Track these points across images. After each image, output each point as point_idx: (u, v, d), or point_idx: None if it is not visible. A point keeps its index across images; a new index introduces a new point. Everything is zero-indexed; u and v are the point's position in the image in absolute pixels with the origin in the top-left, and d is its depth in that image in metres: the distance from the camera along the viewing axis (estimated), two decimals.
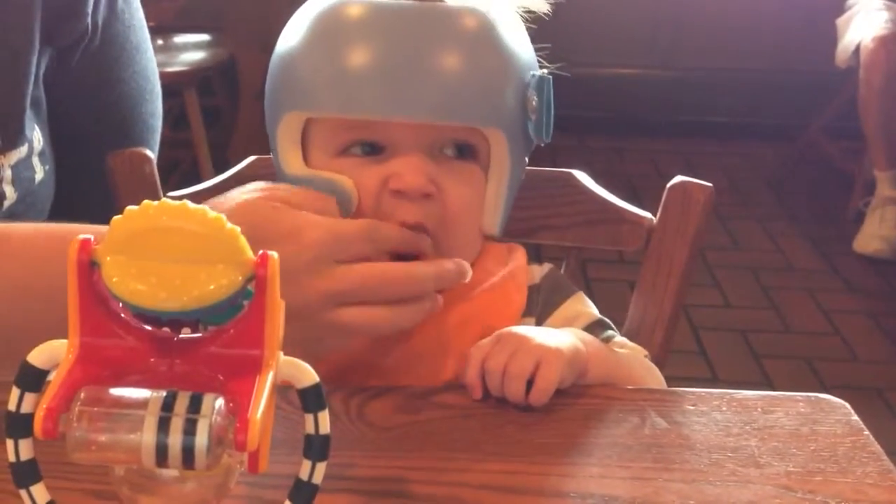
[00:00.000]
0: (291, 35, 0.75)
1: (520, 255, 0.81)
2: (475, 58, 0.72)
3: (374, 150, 0.74)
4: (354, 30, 0.72)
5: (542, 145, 0.79)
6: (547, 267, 0.83)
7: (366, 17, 0.72)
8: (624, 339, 0.83)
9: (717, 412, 0.69)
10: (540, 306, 0.80)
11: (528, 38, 0.77)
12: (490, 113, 0.73)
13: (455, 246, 0.75)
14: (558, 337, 0.72)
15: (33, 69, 0.88)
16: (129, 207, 0.42)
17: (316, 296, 0.66)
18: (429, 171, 0.72)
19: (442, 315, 0.76)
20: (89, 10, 0.91)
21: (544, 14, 0.77)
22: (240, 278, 0.42)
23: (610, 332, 0.82)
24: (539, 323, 0.80)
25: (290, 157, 0.75)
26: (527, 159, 0.79)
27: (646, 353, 0.83)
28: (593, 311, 0.83)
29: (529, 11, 0.78)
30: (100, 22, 0.92)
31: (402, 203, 0.72)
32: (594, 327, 0.81)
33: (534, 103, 0.74)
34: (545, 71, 0.77)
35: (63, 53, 0.91)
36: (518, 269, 0.80)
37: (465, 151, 0.75)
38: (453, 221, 0.74)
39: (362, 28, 0.72)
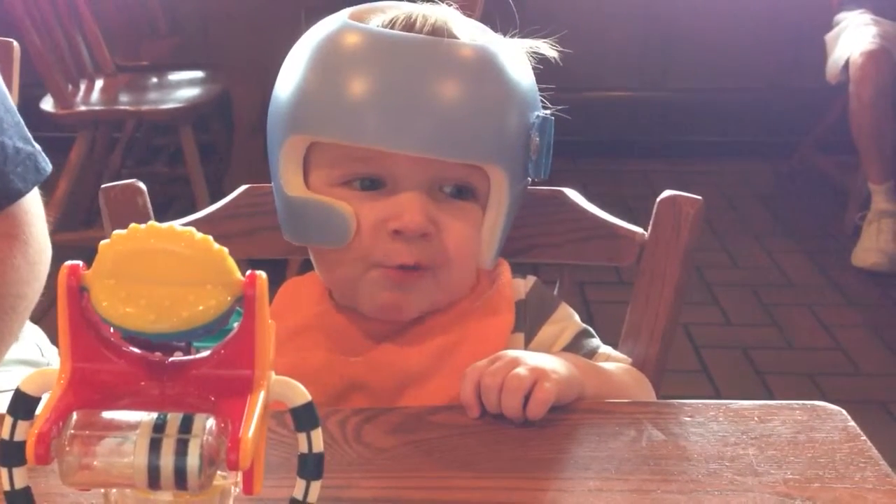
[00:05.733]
0: (297, 60, 0.75)
1: (504, 269, 0.82)
2: (479, 94, 0.72)
3: (373, 184, 0.74)
4: (362, 58, 0.72)
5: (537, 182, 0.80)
6: (531, 280, 0.84)
7: (374, 46, 0.72)
8: (609, 349, 0.84)
9: (713, 422, 0.69)
10: (528, 322, 0.81)
11: (533, 79, 0.78)
12: (493, 150, 0.73)
13: (453, 282, 0.76)
14: (553, 360, 0.72)
15: None
16: (117, 231, 0.42)
17: None
18: (428, 210, 0.72)
19: (433, 335, 0.77)
20: None
21: (552, 59, 0.78)
22: (228, 298, 0.42)
23: (595, 342, 0.83)
24: (528, 338, 0.80)
25: (291, 179, 0.75)
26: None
27: (630, 360, 0.84)
28: (577, 320, 0.84)
29: (538, 54, 0.79)
30: None
31: (401, 242, 0.72)
32: (580, 337, 0.82)
33: (536, 144, 0.75)
34: (548, 112, 0.77)
35: None
36: (504, 285, 0.80)
37: (464, 191, 0.75)
38: (452, 259, 0.74)
39: (370, 57, 0.72)
